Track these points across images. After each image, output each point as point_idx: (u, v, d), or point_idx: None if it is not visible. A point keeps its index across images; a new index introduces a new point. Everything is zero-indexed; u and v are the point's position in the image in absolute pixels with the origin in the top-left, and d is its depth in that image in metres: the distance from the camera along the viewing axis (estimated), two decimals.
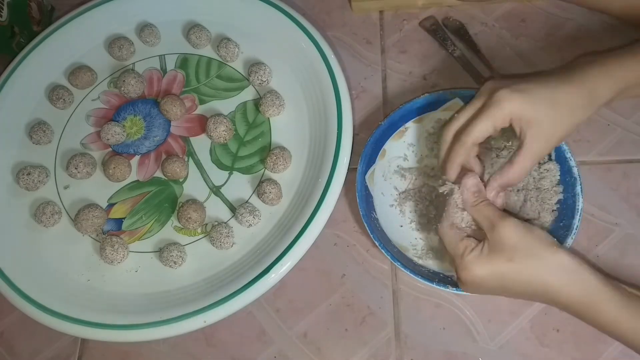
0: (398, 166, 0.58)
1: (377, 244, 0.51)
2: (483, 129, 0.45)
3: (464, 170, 0.48)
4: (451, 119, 0.48)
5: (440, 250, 0.53)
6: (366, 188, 0.55)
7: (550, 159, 0.54)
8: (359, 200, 0.53)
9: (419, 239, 0.55)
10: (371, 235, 0.51)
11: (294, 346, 0.53)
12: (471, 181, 0.47)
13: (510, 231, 0.43)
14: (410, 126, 0.58)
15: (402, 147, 0.58)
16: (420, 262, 0.53)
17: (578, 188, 0.51)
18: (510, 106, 0.44)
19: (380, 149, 0.57)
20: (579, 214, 0.50)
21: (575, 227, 0.50)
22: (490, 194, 0.47)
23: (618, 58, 0.46)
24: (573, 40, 0.62)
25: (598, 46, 0.58)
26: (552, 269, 0.42)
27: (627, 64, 0.45)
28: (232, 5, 0.67)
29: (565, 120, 0.44)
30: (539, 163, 0.54)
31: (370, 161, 0.56)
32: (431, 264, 0.53)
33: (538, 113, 0.44)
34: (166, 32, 0.69)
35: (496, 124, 0.45)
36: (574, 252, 0.45)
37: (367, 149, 0.55)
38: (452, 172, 0.48)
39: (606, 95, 0.45)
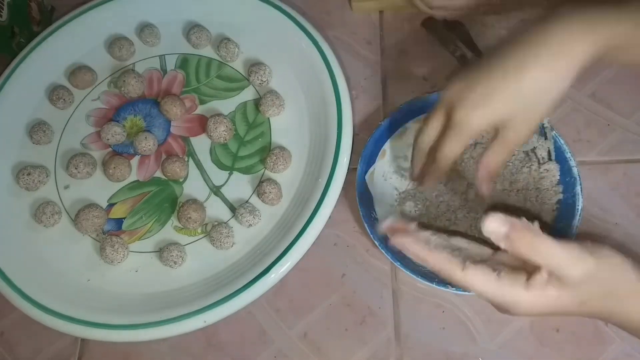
0: (398, 166, 0.58)
1: (377, 244, 0.51)
2: (455, 150, 0.43)
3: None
4: (421, 131, 0.46)
5: None
6: (366, 188, 0.55)
7: (550, 159, 0.54)
8: (359, 200, 0.53)
9: None
10: (371, 236, 0.51)
11: (294, 346, 0.53)
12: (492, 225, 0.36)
13: (588, 269, 0.36)
14: (410, 126, 0.58)
15: (402, 148, 0.58)
16: (420, 262, 0.53)
17: (578, 188, 0.51)
18: (476, 126, 0.41)
19: (380, 149, 0.57)
20: (579, 213, 0.50)
21: (575, 227, 0.50)
22: (481, 186, 0.45)
23: (604, 13, 0.38)
24: None
25: None
26: (624, 311, 0.37)
27: (612, 21, 0.38)
28: (232, 5, 0.67)
29: (539, 104, 0.40)
30: (539, 163, 0.54)
31: (370, 161, 0.56)
32: None
33: (504, 115, 0.40)
34: (166, 32, 0.69)
35: (467, 142, 0.43)
36: None
37: (367, 149, 0.55)
38: (430, 184, 0.49)
39: (585, 58, 0.38)
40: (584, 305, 0.37)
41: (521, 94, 0.39)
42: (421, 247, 0.38)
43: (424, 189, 0.53)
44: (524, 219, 0.35)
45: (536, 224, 0.35)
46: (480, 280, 0.37)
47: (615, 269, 0.37)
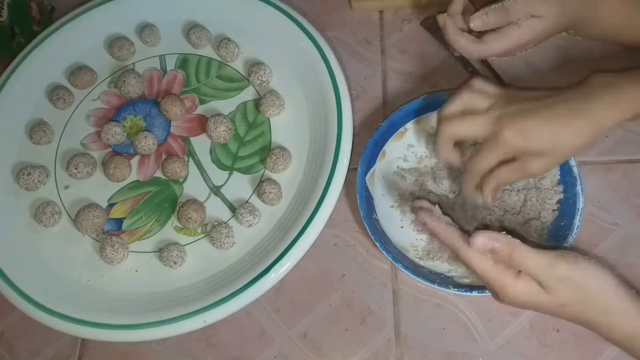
0: (398, 167, 0.58)
1: (378, 245, 0.51)
2: (488, 162, 0.48)
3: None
4: (477, 161, 0.49)
5: (440, 251, 0.53)
6: (366, 189, 0.55)
7: None
8: (360, 201, 0.53)
9: (420, 240, 0.55)
10: (372, 237, 0.51)
11: (294, 346, 0.54)
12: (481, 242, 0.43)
13: (565, 275, 0.42)
14: (410, 127, 0.58)
15: (402, 148, 0.58)
16: (421, 263, 0.53)
17: (578, 187, 0.51)
18: (516, 146, 0.46)
19: (380, 150, 0.57)
20: (579, 213, 0.50)
21: (576, 226, 0.50)
22: (487, 196, 0.49)
23: (630, 86, 0.45)
24: (573, 39, 0.62)
25: (598, 49, 0.58)
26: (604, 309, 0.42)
27: (638, 95, 0.44)
28: (232, 5, 0.67)
29: (569, 152, 0.47)
30: None
31: (371, 162, 0.56)
32: (432, 264, 0.53)
33: (540, 150, 0.46)
34: (166, 32, 0.69)
35: (500, 158, 0.47)
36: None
37: (367, 150, 0.55)
38: (470, 190, 0.51)
39: (612, 125, 0.45)
40: (563, 307, 0.43)
41: (558, 140, 0.45)
42: (440, 223, 0.45)
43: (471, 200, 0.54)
44: (505, 234, 0.42)
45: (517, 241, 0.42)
46: (480, 259, 0.43)
47: (592, 279, 0.42)
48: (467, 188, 0.51)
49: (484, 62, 0.62)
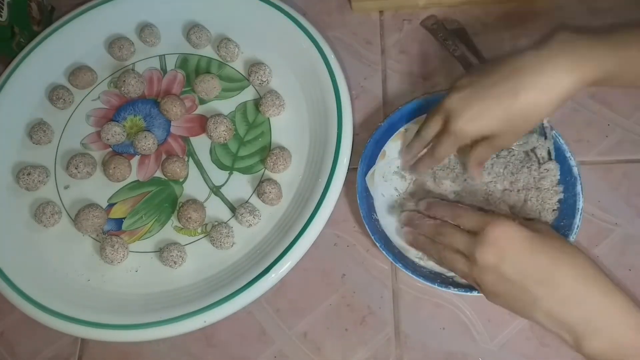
0: (398, 167, 0.58)
1: (378, 245, 0.51)
2: (446, 152, 0.50)
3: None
4: (422, 128, 0.52)
5: None
6: (366, 189, 0.55)
7: (550, 159, 0.54)
8: (360, 202, 0.53)
9: None
10: (372, 237, 0.51)
11: (294, 346, 0.53)
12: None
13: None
14: (410, 127, 0.58)
15: (401, 149, 0.58)
16: (421, 263, 0.53)
17: (578, 187, 0.51)
18: (466, 135, 0.47)
19: (380, 151, 0.57)
20: (579, 213, 0.50)
21: (576, 226, 0.50)
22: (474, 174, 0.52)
23: (591, 49, 0.43)
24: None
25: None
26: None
27: (598, 58, 0.42)
28: (232, 5, 0.67)
29: (525, 124, 0.46)
30: (539, 163, 0.54)
31: (370, 162, 0.56)
32: (432, 265, 0.53)
33: (494, 130, 0.46)
34: (166, 32, 0.69)
35: (458, 147, 0.49)
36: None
37: (367, 150, 0.55)
38: (422, 170, 0.55)
39: (571, 90, 0.43)
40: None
41: (511, 115, 0.45)
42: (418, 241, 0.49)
43: (417, 175, 0.56)
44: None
45: None
46: (453, 259, 0.46)
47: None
48: (423, 167, 0.54)
49: (470, 47, 0.63)
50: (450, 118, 0.47)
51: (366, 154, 0.55)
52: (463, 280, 0.51)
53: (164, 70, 0.67)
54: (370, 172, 0.56)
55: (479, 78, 0.46)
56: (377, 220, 0.54)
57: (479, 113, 0.45)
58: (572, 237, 0.50)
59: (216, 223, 0.58)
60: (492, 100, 0.45)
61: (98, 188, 0.61)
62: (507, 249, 0.41)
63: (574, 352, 0.42)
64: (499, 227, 0.41)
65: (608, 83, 0.44)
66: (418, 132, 0.53)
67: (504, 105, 0.44)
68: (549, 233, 0.43)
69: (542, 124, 0.54)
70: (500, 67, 0.45)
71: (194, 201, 0.58)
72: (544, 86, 0.43)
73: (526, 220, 0.45)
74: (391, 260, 0.50)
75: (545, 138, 0.54)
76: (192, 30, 0.66)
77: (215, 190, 0.60)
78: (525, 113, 0.44)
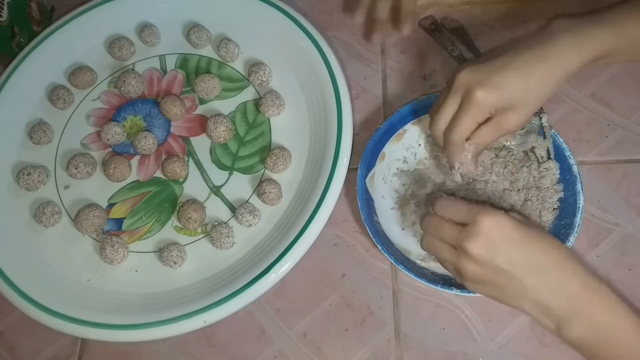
0: (398, 168, 0.58)
1: (379, 247, 0.51)
2: (468, 127, 0.48)
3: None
4: (435, 117, 0.50)
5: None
6: (367, 192, 0.55)
7: (549, 158, 0.54)
8: (361, 204, 0.53)
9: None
10: (374, 239, 0.51)
11: (294, 346, 0.53)
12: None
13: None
14: (409, 128, 0.58)
15: (401, 150, 0.58)
16: (423, 264, 0.53)
17: (578, 186, 0.51)
18: (488, 104, 0.46)
19: (379, 152, 0.57)
20: (580, 211, 0.50)
21: (577, 225, 0.50)
22: (468, 154, 0.50)
23: (589, 28, 0.46)
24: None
25: None
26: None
27: (598, 35, 0.45)
28: (232, 5, 0.67)
29: (539, 98, 0.47)
30: (538, 162, 0.54)
31: (370, 165, 0.56)
32: (434, 266, 0.53)
33: (513, 101, 0.46)
34: (166, 32, 0.69)
35: (478, 120, 0.48)
36: (574, 252, 0.45)
37: (367, 152, 0.55)
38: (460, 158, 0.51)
39: (577, 67, 0.46)
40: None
41: (528, 87, 0.46)
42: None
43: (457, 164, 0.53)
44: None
45: None
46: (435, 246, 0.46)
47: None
48: (453, 158, 0.51)
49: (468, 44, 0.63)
50: (471, 89, 0.46)
51: (365, 156, 0.55)
52: None
53: (164, 70, 0.67)
54: (370, 174, 0.56)
55: (489, 58, 0.47)
56: (378, 223, 0.54)
57: (500, 81, 0.46)
58: (573, 236, 0.50)
59: (216, 223, 0.58)
60: (511, 71, 0.46)
61: (98, 188, 0.61)
62: (498, 240, 0.42)
63: (574, 352, 0.42)
64: (489, 218, 0.41)
65: (609, 59, 0.47)
66: (436, 114, 0.50)
67: (524, 76, 0.45)
68: (529, 222, 0.44)
69: (541, 123, 0.54)
70: (511, 47, 0.47)
71: (194, 201, 0.58)
72: (554, 62, 0.45)
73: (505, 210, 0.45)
74: (393, 262, 0.50)
75: (544, 137, 0.54)
76: (192, 30, 0.66)
77: (215, 190, 0.60)
78: (539, 88, 0.46)
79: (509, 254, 0.41)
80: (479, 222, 0.41)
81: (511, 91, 0.46)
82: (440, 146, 0.51)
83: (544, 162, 0.54)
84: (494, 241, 0.41)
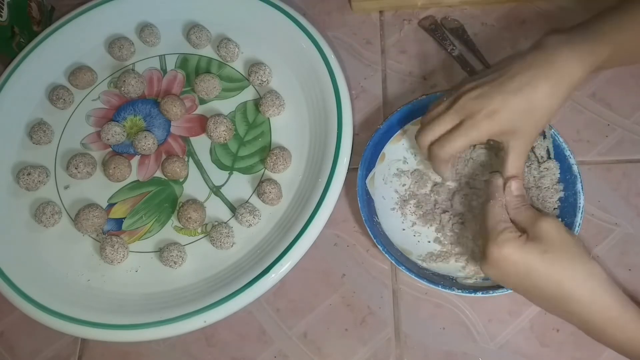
0: (398, 169, 0.58)
1: (380, 248, 0.50)
2: (461, 147, 0.48)
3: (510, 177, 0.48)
4: (426, 128, 0.49)
5: (443, 253, 0.53)
6: (367, 192, 0.55)
7: (549, 158, 0.54)
8: (361, 205, 0.53)
9: (421, 242, 0.55)
10: (374, 240, 0.51)
11: (294, 346, 0.53)
12: (515, 185, 0.47)
13: (551, 227, 0.42)
14: (409, 128, 0.58)
15: (401, 150, 0.58)
16: (424, 265, 0.53)
17: (579, 186, 0.51)
18: (489, 129, 0.46)
19: (379, 153, 0.57)
20: (580, 211, 0.50)
21: (577, 224, 0.50)
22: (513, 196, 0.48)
23: (588, 42, 0.46)
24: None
25: None
26: (582, 274, 0.41)
27: (595, 48, 0.45)
28: (232, 5, 0.67)
29: (545, 116, 0.46)
30: (538, 162, 0.54)
31: (370, 165, 0.56)
32: (434, 266, 0.53)
33: (516, 124, 0.46)
34: (166, 32, 0.69)
35: (473, 142, 0.48)
36: None
37: (367, 153, 0.55)
38: (447, 174, 0.54)
39: (579, 81, 0.46)
40: (545, 254, 0.41)
41: (531, 106, 0.45)
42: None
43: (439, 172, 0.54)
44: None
45: None
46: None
47: (577, 241, 0.43)
48: (438, 170, 0.52)
49: (475, 51, 0.63)
50: (473, 115, 0.46)
51: (365, 157, 0.55)
52: (466, 282, 0.51)
53: (164, 70, 0.67)
54: (370, 175, 0.56)
55: (490, 78, 0.47)
56: (379, 223, 0.54)
57: (501, 106, 0.45)
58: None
59: (216, 223, 0.58)
60: (512, 94, 0.45)
61: (98, 188, 0.61)
62: (508, 275, 0.43)
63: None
64: (501, 250, 0.42)
65: (608, 65, 0.47)
66: (429, 125, 0.50)
67: (526, 97, 0.45)
68: (558, 246, 0.42)
69: None
70: (511, 65, 0.46)
71: (194, 201, 0.58)
72: (558, 78, 0.45)
73: (535, 214, 0.44)
74: (394, 263, 0.50)
75: (544, 137, 0.54)
76: (192, 30, 0.66)
77: (215, 190, 0.60)
78: (545, 104, 0.45)
79: (520, 287, 0.43)
80: (490, 252, 0.43)
81: (513, 116, 0.45)
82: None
83: (544, 161, 0.54)
84: (504, 274, 0.43)
